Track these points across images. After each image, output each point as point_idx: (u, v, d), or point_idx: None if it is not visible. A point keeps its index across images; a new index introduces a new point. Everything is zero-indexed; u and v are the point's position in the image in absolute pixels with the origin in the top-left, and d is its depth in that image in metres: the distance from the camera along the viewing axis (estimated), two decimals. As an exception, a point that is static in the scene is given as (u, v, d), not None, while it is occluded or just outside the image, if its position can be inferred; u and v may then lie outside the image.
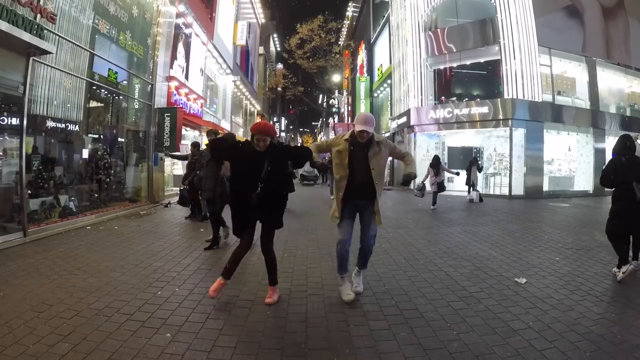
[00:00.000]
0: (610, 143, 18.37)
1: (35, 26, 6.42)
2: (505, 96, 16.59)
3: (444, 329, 3.50)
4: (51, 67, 7.67)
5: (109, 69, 9.99)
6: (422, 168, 19.45)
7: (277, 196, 4.06)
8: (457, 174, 13.62)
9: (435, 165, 12.28)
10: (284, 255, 5.91)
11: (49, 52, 7.07)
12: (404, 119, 21.05)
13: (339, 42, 43.12)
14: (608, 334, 3.43)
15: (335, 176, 4.19)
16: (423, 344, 3.24)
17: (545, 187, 16.93)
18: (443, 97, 19.55)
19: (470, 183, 14.17)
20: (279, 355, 3.06)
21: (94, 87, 9.62)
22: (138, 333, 3.33)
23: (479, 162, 15.40)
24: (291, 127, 75.49)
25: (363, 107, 31.92)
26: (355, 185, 4.07)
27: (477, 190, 14.22)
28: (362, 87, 32.82)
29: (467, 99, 18.86)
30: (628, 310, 3.97)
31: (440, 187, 12.22)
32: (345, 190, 4.10)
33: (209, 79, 19.95)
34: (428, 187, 12.50)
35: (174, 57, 13.80)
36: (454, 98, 19.33)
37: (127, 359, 2.92)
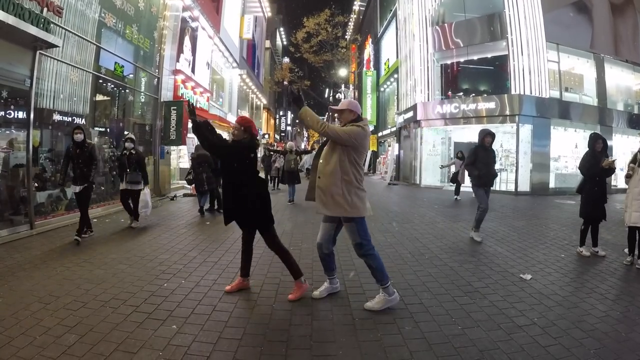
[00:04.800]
0: (617, 141, 18.23)
1: (42, 20, 6.44)
2: (513, 92, 16.45)
3: (449, 324, 3.50)
4: (58, 60, 7.70)
5: (116, 63, 10.03)
6: (427, 164, 19.62)
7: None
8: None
9: (462, 157, 13.34)
10: (289, 248, 5.91)
11: (56, 46, 7.09)
12: (410, 114, 20.97)
13: (346, 36, 42.92)
14: (612, 332, 3.42)
15: None
16: (428, 338, 3.24)
17: (552, 184, 16.81)
18: (450, 92, 19.42)
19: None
20: (284, 347, 3.08)
21: (101, 81, 9.64)
22: (144, 325, 3.36)
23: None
24: (297, 121, 75.35)
25: (369, 102, 31.81)
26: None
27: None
28: (368, 81, 32.70)
29: (474, 94, 18.72)
30: (633, 308, 3.95)
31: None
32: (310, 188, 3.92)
33: (215, 73, 19.95)
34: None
35: (180, 50, 13.82)
36: (461, 93, 19.20)
37: (133, 350, 2.94)
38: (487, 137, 6.96)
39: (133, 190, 7.46)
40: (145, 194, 7.52)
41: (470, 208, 11.30)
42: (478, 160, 6.97)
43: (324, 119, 3.53)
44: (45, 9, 6.86)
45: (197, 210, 9.15)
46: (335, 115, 3.90)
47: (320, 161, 3.80)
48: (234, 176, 4.02)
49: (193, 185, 9.43)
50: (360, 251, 3.76)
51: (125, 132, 8.98)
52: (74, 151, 6.27)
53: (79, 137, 6.24)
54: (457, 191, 13.56)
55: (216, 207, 9.37)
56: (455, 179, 13.63)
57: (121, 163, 7.54)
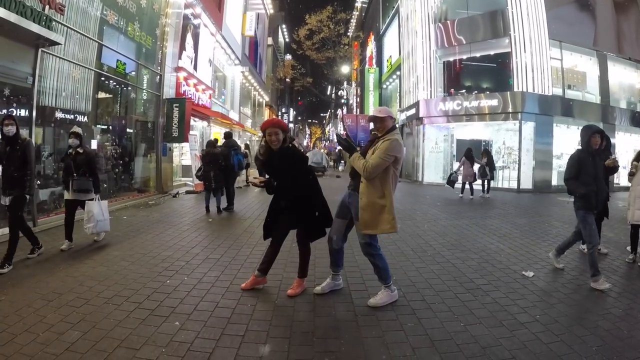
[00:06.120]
0: (620, 138, 18.17)
1: (44, 17, 6.44)
2: (515, 89, 16.43)
3: (451, 321, 3.51)
4: (60, 58, 7.70)
5: (118, 60, 10.03)
6: (430, 160, 19.59)
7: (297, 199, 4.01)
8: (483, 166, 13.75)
9: (470, 157, 13.00)
10: (292, 245, 5.92)
11: (58, 43, 7.09)
12: (412, 111, 20.95)
13: (348, 33, 42.90)
14: (614, 329, 3.42)
15: None
16: (430, 334, 3.25)
17: (554, 182, 16.75)
18: (452, 90, 19.41)
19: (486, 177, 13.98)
20: (286, 343, 3.08)
21: (103, 78, 9.65)
22: (147, 321, 3.37)
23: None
24: (299, 118, 75.42)
25: (372, 99, 31.80)
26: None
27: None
28: (371, 78, 32.67)
29: (476, 91, 18.72)
30: (635, 306, 3.95)
31: (475, 178, 13.12)
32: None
33: (217, 70, 19.95)
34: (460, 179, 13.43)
35: (182, 47, 13.80)
36: (464, 90, 19.20)
37: (136, 347, 2.95)
38: (594, 136, 4.68)
39: (82, 201, 5.77)
40: (93, 204, 5.74)
41: (473, 206, 11.29)
42: (584, 171, 4.76)
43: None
44: (47, 7, 6.85)
45: (204, 207, 9.03)
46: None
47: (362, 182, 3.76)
48: (293, 189, 4.00)
49: (201, 182, 9.39)
50: (369, 250, 3.85)
51: (75, 128, 6.20)
52: (3, 149, 4.79)
53: (9, 130, 4.72)
54: (470, 190, 13.08)
55: (223, 205, 9.26)
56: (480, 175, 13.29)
57: (66, 165, 5.78)
